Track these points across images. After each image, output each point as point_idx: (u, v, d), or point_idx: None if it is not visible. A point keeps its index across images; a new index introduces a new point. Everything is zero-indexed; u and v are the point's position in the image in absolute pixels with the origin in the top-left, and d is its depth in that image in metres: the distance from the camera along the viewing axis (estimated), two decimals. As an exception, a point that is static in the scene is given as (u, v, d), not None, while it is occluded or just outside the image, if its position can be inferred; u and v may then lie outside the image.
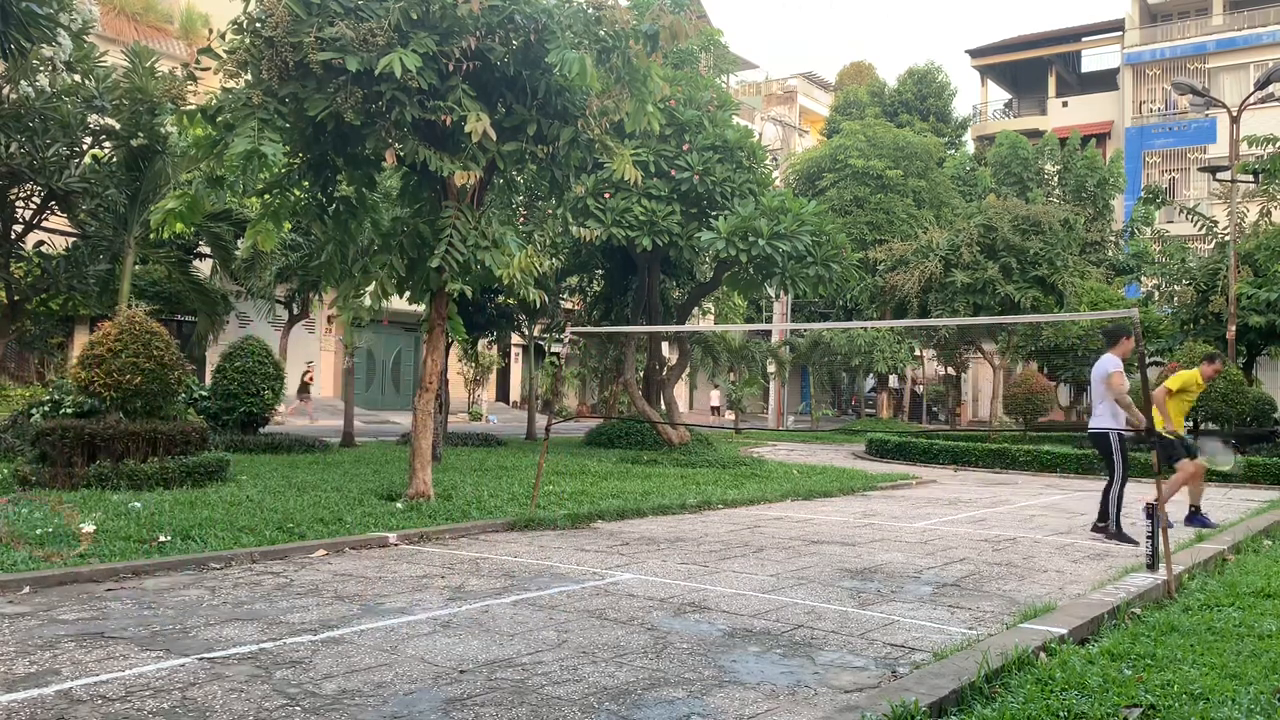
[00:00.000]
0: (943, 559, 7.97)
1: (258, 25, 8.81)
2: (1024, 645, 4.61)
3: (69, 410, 11.22)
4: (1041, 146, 37.54)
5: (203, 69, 9.14)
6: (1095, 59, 49.08)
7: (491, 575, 6.73)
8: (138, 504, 8.64)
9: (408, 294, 10.61)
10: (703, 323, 31.77)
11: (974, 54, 49.57)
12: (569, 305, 26.06)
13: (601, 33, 9.20)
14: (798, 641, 5.12)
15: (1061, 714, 3.81)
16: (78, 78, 14.16)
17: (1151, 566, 6.88)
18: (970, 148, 47.36)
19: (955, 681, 4.09)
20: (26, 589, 5.85)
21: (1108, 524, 9.19)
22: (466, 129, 8.65)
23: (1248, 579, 6.78)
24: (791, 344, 37.04)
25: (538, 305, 17.31)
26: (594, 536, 8.77)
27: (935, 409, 44.53)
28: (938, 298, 24.46)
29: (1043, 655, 4.65)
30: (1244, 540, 8.65)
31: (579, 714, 3.88)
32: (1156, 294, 27.36)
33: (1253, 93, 19.25)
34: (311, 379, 29.23)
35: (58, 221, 15.82)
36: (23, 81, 13.20)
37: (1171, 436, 9.99)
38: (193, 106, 9.72)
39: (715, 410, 43.56)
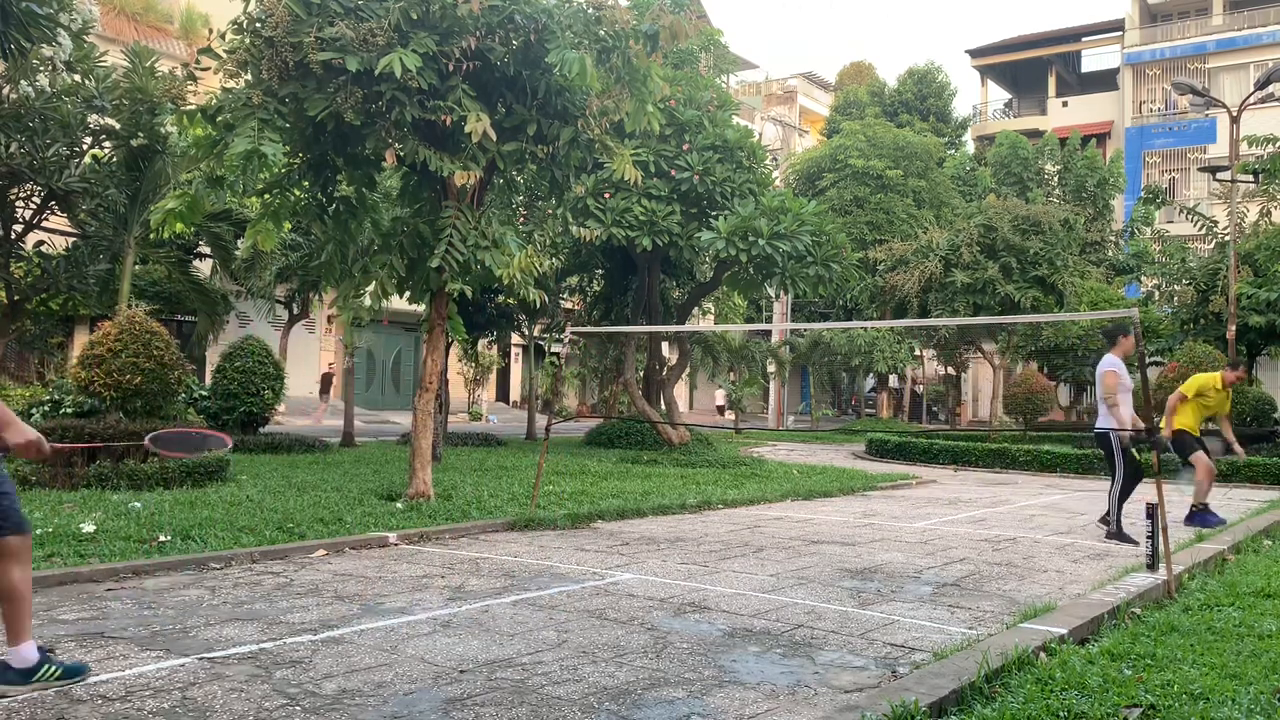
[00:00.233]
0: (943, 559, 7.97)
1: (258, 25, 8.82)
2: (1024, 645, 4.61)
3: (69, 410, 11.24)
4: (1041, 146, 37.51)
5: (203, 69, 9.14)
6: (1095, 59, 49.12)
7: (491, 575, 6.73)
8: (138, 504, 8.64)
9: (408, 294, 10.61)
10: (703, 323, 31.75)
11: (974, 54, 49.57)
12: (569, 305, 26.06)
13: (601, 33, 9.21)
14: (798, 641, 5.12)
15: (1061, 714, 3.81)
16: (78, 78, 14.15)
17: (1151, 566, 6.88)
18: (970, 148, 47.34)
19: (955, 681, 4.10)
20: (26, 589, 5.84)
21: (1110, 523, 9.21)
22: (466, 129, 8.65)
23: (1248, 579, 6.78)
24: (791, 344, 37.02)
25: (538, 305, 17.33)
26: (594, 536, 8.77)
27: (935, 409, 44.51)
28: (938, 298, 24.46)
29: (1043, 655, 4.65)
30: (1244, 540, 8.65)
31: (579, 714, 3.88)
32: (1156, 294, 27.36)
33: (1253, 93, 19.22)
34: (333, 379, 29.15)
35: (58, 221, 15.82)
36: (23, 81, 13.20)
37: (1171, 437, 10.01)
38: (193, 106, 9.73)
39: (721, 410, 43.53)
